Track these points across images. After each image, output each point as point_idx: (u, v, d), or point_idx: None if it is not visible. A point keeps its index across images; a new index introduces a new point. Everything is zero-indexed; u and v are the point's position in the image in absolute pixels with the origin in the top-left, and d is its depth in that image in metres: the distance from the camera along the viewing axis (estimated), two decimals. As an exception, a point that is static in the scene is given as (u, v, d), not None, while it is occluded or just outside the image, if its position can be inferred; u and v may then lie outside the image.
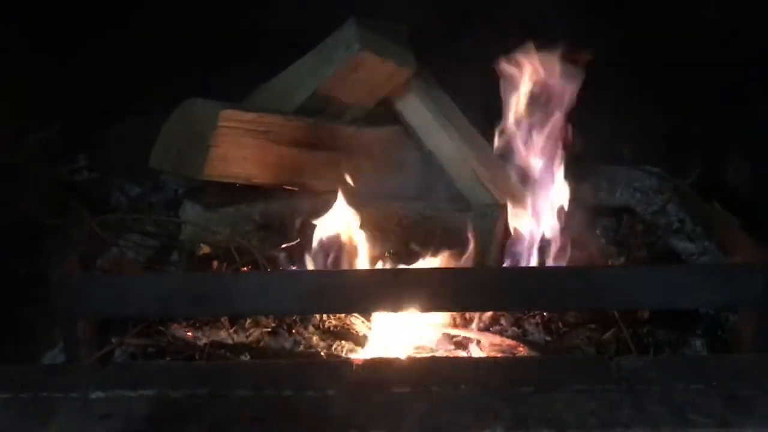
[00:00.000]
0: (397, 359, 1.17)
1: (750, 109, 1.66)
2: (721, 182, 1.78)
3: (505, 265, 1.44)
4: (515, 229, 1.45)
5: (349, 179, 1.46)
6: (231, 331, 1.33)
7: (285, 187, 1.59)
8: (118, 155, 1.87)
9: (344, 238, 1.38)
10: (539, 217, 1.45)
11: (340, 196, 1.41)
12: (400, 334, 1.28)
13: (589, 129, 1.58)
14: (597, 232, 1.64)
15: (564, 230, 1.45)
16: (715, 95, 1.78)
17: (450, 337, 1.31)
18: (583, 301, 1.19)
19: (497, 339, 1.30)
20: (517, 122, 1.48)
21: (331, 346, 1.30)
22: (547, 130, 1.46)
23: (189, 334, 1.33)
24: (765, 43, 1.54)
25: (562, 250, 1.42)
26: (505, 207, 1.49)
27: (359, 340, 1.31)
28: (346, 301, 1.17)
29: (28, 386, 0.99)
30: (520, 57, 1.46)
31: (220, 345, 1.29)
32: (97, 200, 1.80)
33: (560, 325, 1.35)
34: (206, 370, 1.07)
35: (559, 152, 1.48)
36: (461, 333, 1.31)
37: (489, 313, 1.33)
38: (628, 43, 1.74)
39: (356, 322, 1.34)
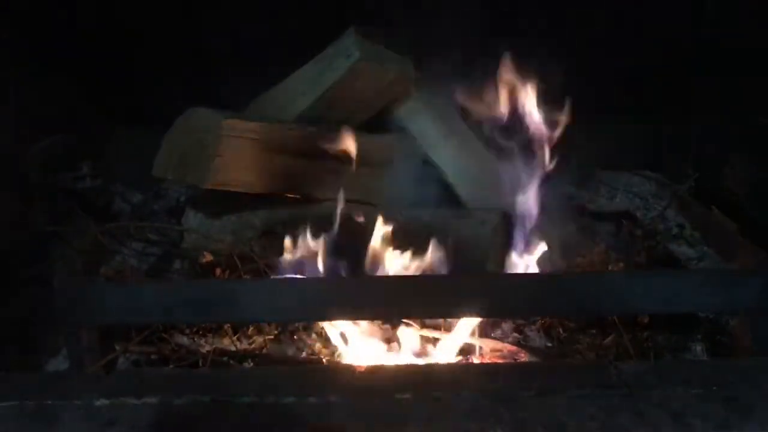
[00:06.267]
0: (399, 365, 1.18)
1: (748, 115, 1.67)
2: (720, 187, 1.79)
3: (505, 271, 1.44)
4: (514, 234, 1.46)
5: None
6: (234, 338, 1.33)
7: (287, 194, 1.60)
8: (121, 163, 1.89)
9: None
10: (534, 221, 1.46)
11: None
12: (401, 341, 1.29)
13: (587, 135, 1.59)
14: (596, 237, 1.65)
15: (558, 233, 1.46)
16: (714, 100, 1.79)
17: (451, 343, 1.32)
18: (584, 306, 1.20)
19: (498, 344, 1.30)
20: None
21: (334, 352, 1.31)
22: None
23: (192, 341, 1.33)
24: (764, 47, 1.55)
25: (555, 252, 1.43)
26: (505, 214, 1.50)
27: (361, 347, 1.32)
28: (348, 308, 1.17)
29: (32, 394, 0.99)
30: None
31: (223, 352, 1.30)
32: (100, 208, 1.81)
33: (561, 330, 1.35)
34: (209, 378, 1.08)
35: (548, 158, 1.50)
36: (462, 339, 1.31)
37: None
38: (627, 48, 1.76)
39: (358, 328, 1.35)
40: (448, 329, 1.33)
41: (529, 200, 1.50)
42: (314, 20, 1.74)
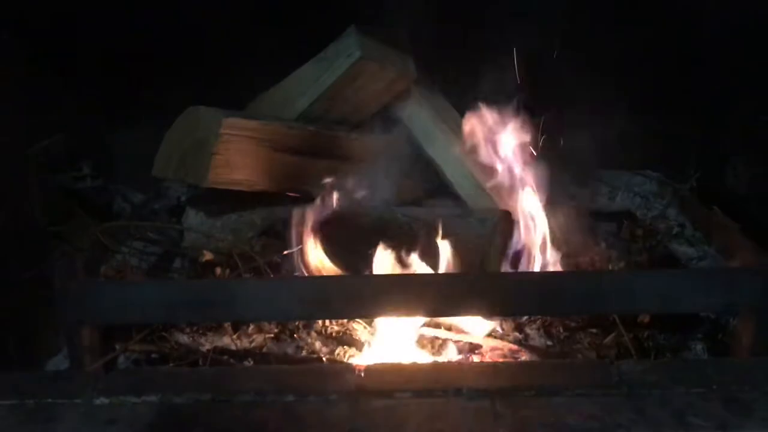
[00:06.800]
0: (399, 364, 1.18)
1: (749, 114, 1.67)
2: (721, 187, 1.79)
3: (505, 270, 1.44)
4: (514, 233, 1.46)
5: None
6: (234, 337, 1.33)
7: (287, 193, 1.60)
8: (121, 163, 1.89)
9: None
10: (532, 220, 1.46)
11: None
12: (401, 339, 1.29)
13: (589, 133, 1.59)
14: (597, 236, 1.65)
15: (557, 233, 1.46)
16: (715, 99, 1.79)
17: (451, 342, 1.32)
18: (584, 305, 1.20)
19: (499, 343, 1.30)
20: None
21: (334, 351, 1.31)
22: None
23: (192, 340, 1.33)
24: (765, 47, 1.55)
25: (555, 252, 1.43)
26: (505, 212, 1.50)
27: (361, 346, 1.32)
28: (348, 306, 1.17)
29: (32, 392, 0.99)
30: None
31: (223, 351, 1.30)
32: (101, 207, 1.81)
33: (561, 329, 1.35)
34: (209, 376, 1.08)
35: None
36: (463, 338, 1.31)
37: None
38: (628, 47, 1.76)
39: (358, 327, 1.35)
40: (449, 328, 1.33)
41: (528, 199, 1.50)
42: (315, 19, 1.74)
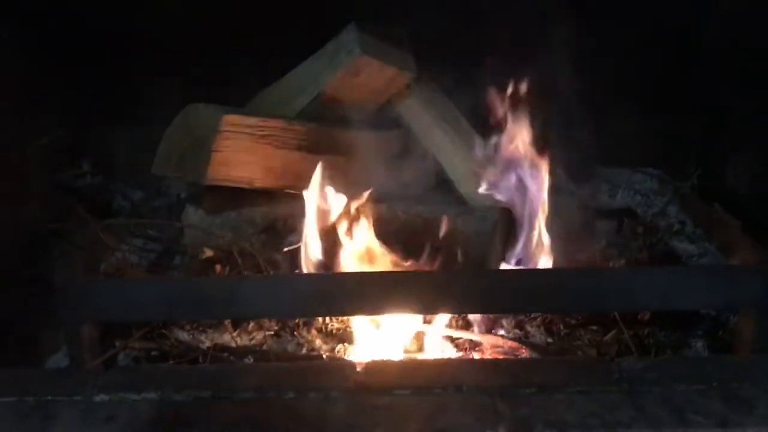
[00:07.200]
0: (399, 362, 1.18)
1: (749, 114, 1.67)
2: (722, 185, 1.79)
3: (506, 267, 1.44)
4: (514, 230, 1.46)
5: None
6: (234, 334, 1.33)
7: (287, 190, 1.60)
8: (121, 160, 1.89)
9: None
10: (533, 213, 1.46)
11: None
12: (401, 337, 1.29)
13: (589, 131, 1.59)
14: (598, 234, 1.65)
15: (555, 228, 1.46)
16: (715, 99, 1.79)
17: (452, 339, 1.32)
18: (585, 302, 1.20)
19: (499, 341, 1.30)
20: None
21: (334, 348, 1.31)
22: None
23: (192, 337, 1.33)
24: (765, 47, 1.55)
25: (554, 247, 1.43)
26: (505, 209, 1.50)
27: (361, 343, 1.32)
28: (348, 303, 1.17)
29: (32, 390, 1.00)
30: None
31: (223, 348, 1.30)
32: (100, 205, 1.81)
33: (561, 326, 1.35)
34: (209, 373, 1.08)
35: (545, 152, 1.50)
36: (463, 335, 1.31)
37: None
38: (629, 45, 1.76)
39: (359, 325, 1.35)
40: (450, 325, 1.33)
41: (529, 196, 1.50)
42: (315, 16, 1.74)
